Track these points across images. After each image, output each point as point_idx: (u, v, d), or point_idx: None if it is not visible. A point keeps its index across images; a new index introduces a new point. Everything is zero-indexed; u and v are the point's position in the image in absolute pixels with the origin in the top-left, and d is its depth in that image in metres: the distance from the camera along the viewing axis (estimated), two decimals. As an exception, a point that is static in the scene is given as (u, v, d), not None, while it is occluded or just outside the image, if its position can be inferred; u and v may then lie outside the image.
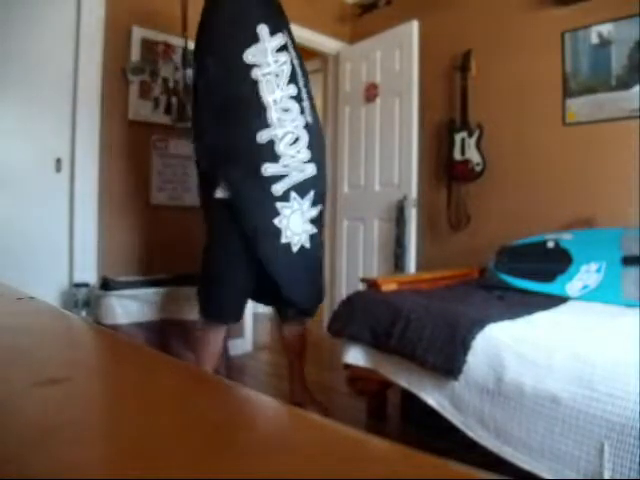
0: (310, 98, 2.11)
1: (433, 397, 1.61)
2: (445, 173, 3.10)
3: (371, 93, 3.43)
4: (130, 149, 2.74)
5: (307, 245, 2.06)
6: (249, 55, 1.95)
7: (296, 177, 2.00)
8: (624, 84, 2.45)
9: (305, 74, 2.12)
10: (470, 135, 2.93)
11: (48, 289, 2.44)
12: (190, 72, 2.89)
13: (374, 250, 3.38)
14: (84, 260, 2.55)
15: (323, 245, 2.31)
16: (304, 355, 2.29)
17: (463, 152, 2.95)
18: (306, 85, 2.10)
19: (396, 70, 3.28)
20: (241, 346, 3.16)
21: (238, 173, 1.98)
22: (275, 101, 1.96)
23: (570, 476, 1.25)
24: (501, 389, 1.43)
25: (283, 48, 2.03)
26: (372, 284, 2.15)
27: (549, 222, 2.61)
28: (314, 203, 2.07)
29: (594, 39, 2.54)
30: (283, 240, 1.98)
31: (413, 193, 3.15)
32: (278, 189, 1.97)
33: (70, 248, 2.54)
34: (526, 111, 2.82)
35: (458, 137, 2.98)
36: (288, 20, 2.16)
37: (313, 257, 2.13)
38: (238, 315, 2.11)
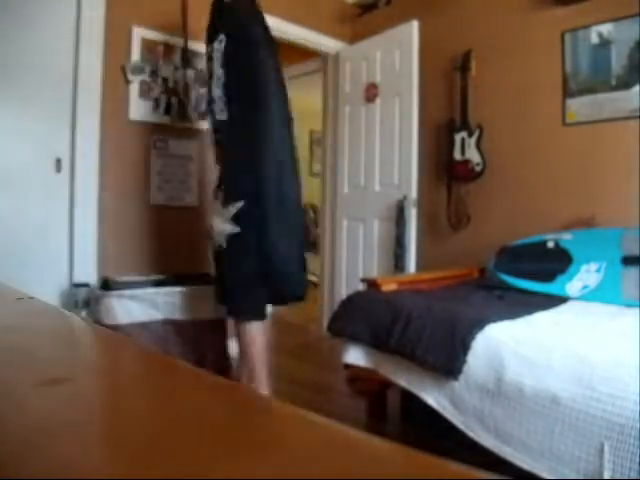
0: (222, 96, 2.15)
1: (433, 397, 1.61)
2: (445, 173, 3.10)
3: (371, 93, 3.43)
4: (130, 149, 2.73)
5: (224, 245, 2.11)
6: None
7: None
8: (624, 84, 2.44)
9: (226, 63, 2.16)
10: (470, 135, 2.93)
11: (48, 289, 2.44)
12: (190, 72, 2.90)
13: (374, 250, 3.38)
14: (84, 260, 2.55)
15: (239, 244, 2.11)
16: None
17: (463, 152, 2.95)
18: (220, 78, 2.17)
19: (396, 70, 3.27)
20: (241, 346, 3.15)
21: None
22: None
23: (570, 476, 1.25)
24: (501, 389, 1.43)
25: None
26: (372, 284, 2.15)
27: (549, 222, 2.61)
28: (225, 202, 2.11)
29: (594, 39, 2.54)
30: (215, 240, 2.16)
31: (413, 193, 3.14)
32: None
33: (70, 248, 2.54)
34: (526, 111, 2.82)
35: (458, 137, 2.98)
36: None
37: (228, 257, 2.12)
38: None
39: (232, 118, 2.12)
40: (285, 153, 2.16)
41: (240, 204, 2.06)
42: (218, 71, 2.15)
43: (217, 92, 2.15)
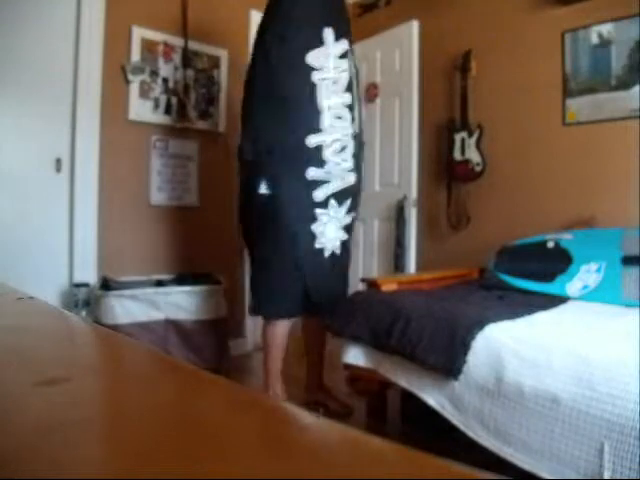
0: (360, 109, 2.19)
1: (433, 397, 1.61)
2: (445, 173, 3.10)
3: (371, 93, 3.43)
4: (130, 149, 2.73)
5: (338, 251, 2.15)
6: (310, 57, 1.99)
7: (336, 185, 2.07)
8: (624, 84, 2.44)
9: (359, 85, 2.21)
10: (470, 135, 2.93)
11: (48, 289, 2.44)
12: (190, 72, 2.89)
13: (374, 250, 3.38)
14: (84, 260, 2.55)
15: (349, 251, 2.32)
16: (322, 351, 2.31)
17: (463, 152, 2.95)
18: (359, 95, 2.19)
19: (396, 70, 3.27)
20: (241, 346, 3.16)
21: (284, 173, 2.01)
22: (329, 107, 2.02)
23: (570, 476, 1.25)
24: (501, 389, 1.43)
25: (345, 55, 2.10)
26: (372, 284, 2.15)
27: (549, 222, 2.61)
28: (349, 210, 2.15)
29: (594, 39, 2.54)
30: (317, 245, 2.08)
31: (413, 193, 3.14)
32: (319, 195, 2.04)
33: (70, 248, 2.54)
34: (526, 111, 2.81)
35: (458, 137, 2.97)
36: (350, 28, 2.21)
37: (342, 263, 2.22)
38: (293, 310, 2.13)
39: (362, 131, 2.25)
40: None
41: (354, 214, 2.21)
42: (355, 79, 2.20)
43: (357, 103, 2.19)
